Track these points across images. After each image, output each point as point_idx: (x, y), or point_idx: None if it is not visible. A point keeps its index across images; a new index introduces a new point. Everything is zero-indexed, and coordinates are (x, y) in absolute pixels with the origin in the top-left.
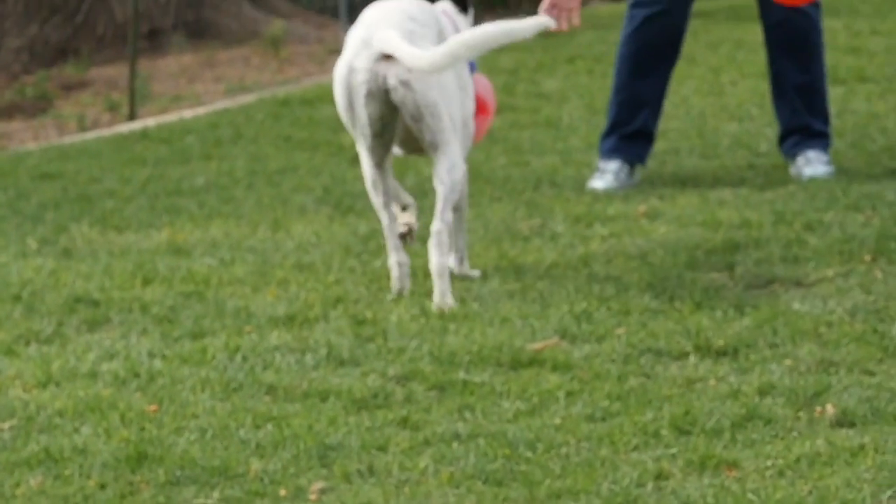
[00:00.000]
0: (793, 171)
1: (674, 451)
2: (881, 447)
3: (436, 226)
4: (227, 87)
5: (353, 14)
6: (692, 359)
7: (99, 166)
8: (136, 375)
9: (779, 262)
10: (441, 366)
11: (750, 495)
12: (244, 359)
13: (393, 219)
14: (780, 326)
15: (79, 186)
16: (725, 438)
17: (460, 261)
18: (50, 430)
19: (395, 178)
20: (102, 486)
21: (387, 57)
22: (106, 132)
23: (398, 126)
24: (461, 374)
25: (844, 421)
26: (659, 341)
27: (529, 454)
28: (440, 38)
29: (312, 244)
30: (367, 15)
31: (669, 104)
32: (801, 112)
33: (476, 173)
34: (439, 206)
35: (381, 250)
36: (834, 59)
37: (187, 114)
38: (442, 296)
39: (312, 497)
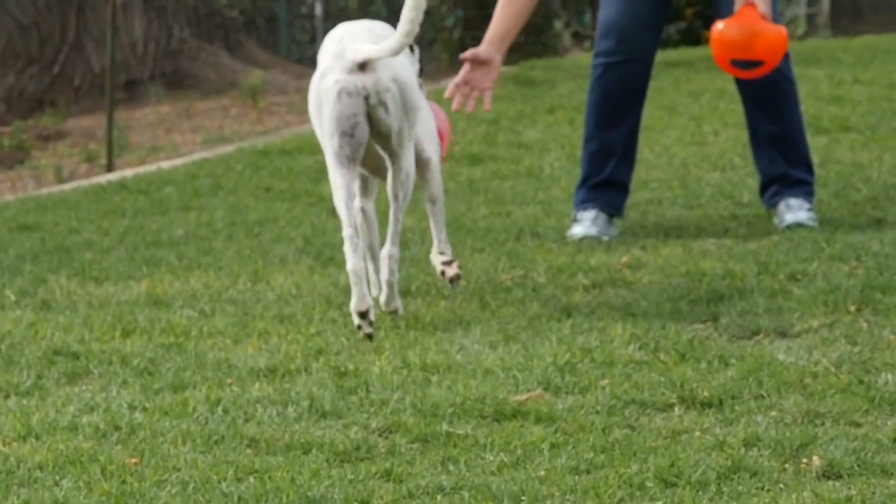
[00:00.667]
0: (775, 220)
1: (659, 503)
2: (868, 499)
3: (389, 249)
4: (205, 137)
5: None
6: (677, 410)
7: (77, 217)
8: (117, 428)
9: (763, 312)
10: (424, 418)
11: None
12: (225, 411)
13: (356, 232)
14: (766, 377)
15: (57, 238)
16: (711, 491)
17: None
18: (30, 484)
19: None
20: None
21: (361, 67)
22: (84, 183)
23: (369, 132)
24: (444, 427)
25: (831, 473)
26: (643, 393)
27: None
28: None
29: (293, 295)
30: (335, 34)
31: (651, 154)
32: (779, 161)
33: (458, 224)
34: (392, 225)
35: None
36: (816, 108)
37: (166, 164)
38: (388, 302)
39: None
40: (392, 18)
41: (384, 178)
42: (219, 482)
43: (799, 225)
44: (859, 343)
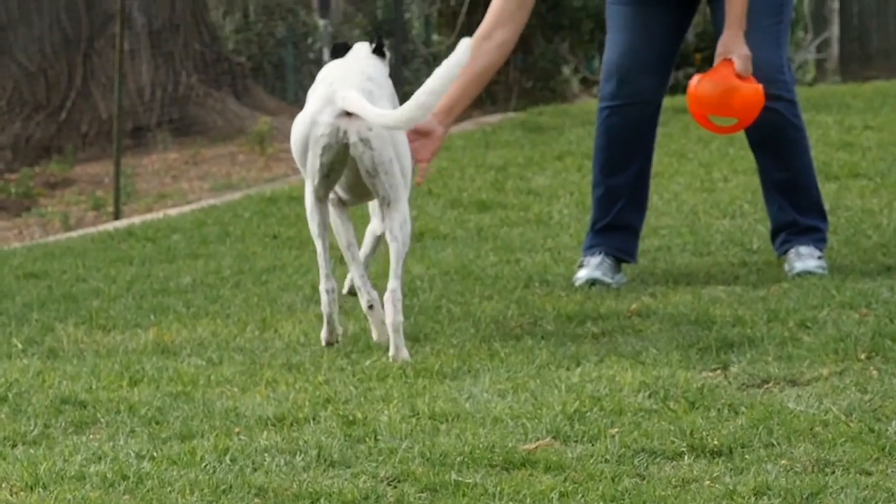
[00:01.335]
0: (785, 267)
1: None
2: None
3: (392, 284)
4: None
5: None
6: (687, 459)
7: (84, 265)
8: (125, 478)
9: (773, 360)
10: (433, 467)
11: None
12: (233, 460)
13: (326, 248)
14: (776, 426)
15: (64, 286)
16: None
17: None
18: None
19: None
20: None
21: (347, 114)
22: (91, 230)
23: (346, 172)
24: (453, 476)
25: None
26: (653, 441)
27: None
28: (392, 96)
29: (301, 344)
30: (327, 74)
31: (660, 200)
32: (787, 209)
33: (466, 271)
34: (393, 263)
35: (371, 350)
36: (826, 154)
37: (173, 212)
38: (397, 350)
39: None
40: (400, 66)
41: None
42: None
43: (808, 273)
44: (869, 391)
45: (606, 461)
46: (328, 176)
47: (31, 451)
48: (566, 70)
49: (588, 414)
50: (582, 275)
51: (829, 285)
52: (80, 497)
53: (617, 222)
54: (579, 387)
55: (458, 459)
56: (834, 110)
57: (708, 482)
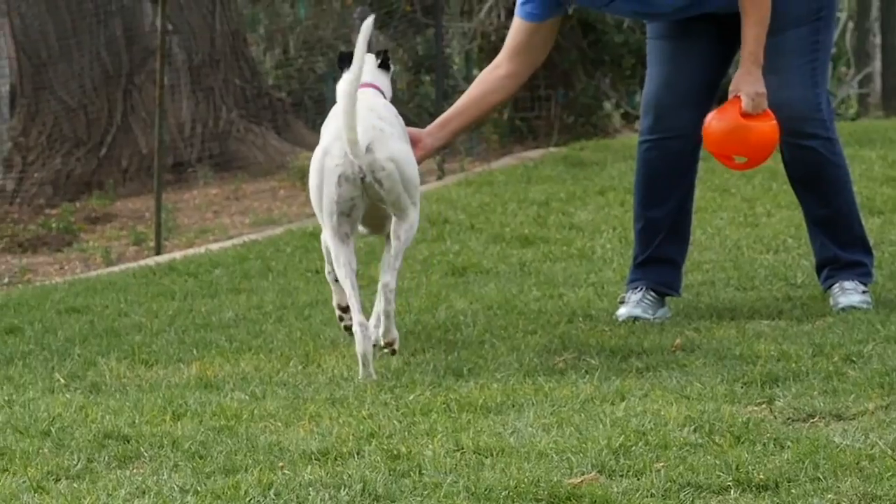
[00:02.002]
0: (830, 301)
1: None
2: None
3: (385, 277)
4: (253, 219)
5: None
6: (733, 493)
7: (126, 300)
8: None
9: (818, 394)
10: (478, 501)
11: None
12: (277, 495)
13: (355, 287)
14: (822, 460)
15: (106, 321)
16: None
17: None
18: None
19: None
20: None
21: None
22: (132, 265)
23: (365, 207)
24: None
25: None
26: (699, 476)
27: None
28: (403, 131)
29: (344, 378)
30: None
31: (704, 235)
32: (829, 245)
33: (510, 306)
34: (391, 257)
35: (414, 384)
36: (870, 189)
37: (214, 247)
38: (387, 331)
39: None
40: (441, 101)
41: (382, 233)
42: None
43: (853, 308)
44: None
45: (652, 496)
46: (349, 215)
47: (75, 485)
48: (608, 105)
49: (633, 448)
50: (622, 312)
51: (874, 319)
52: None
53: (658, 255)
54: (624, 421)
55: (503, 494)
56: (877, 145)
57: None
